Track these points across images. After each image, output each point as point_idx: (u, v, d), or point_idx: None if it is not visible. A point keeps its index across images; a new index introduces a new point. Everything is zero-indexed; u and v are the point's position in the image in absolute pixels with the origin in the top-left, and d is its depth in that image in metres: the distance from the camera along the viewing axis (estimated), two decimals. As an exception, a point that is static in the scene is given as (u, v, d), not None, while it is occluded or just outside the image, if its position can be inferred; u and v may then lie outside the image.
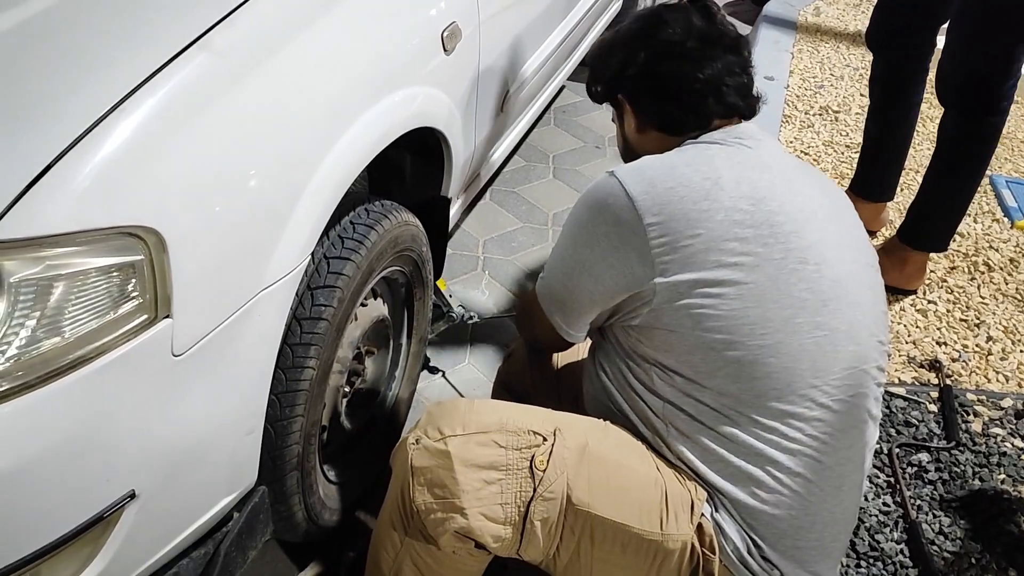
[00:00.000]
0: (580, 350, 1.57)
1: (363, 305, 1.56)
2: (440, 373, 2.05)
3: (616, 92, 1.36)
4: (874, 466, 1.71)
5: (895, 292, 2.20)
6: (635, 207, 1.15)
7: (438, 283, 1.96)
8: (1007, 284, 2.24)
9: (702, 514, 1.15)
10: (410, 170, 1.75)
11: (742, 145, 1.24)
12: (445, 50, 1.56)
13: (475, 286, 2.37)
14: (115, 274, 1.01)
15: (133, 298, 1.03)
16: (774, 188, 1.18)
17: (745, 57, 1.35)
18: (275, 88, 1.19)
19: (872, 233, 2.42)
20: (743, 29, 4.01)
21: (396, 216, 1.53)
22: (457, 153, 1.71)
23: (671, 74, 1.28)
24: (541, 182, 2.85)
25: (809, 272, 1.14)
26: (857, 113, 3.05)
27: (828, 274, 1.15)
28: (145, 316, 1.04)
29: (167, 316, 1.06)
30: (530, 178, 2.86)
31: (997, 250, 2.37)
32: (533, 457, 1.15)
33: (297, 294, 1.30)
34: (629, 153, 1.38)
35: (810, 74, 3.32)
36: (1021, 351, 2.03)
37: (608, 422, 1.25)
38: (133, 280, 1.03)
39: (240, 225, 1.13)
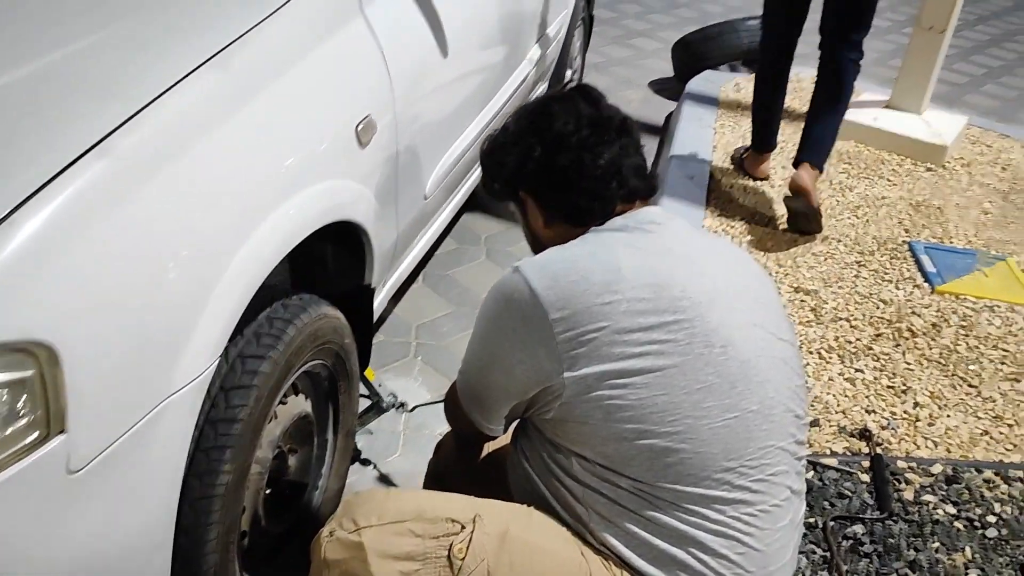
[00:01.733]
0: (508, 436, 1.55)
1: (283, 403, 1.52)
2: (372, 465, 2.00)
3: (517, 189, 1.37)
4: (809, 541, 1.69)
5: (822, 359, 2.23)
6: (540, 303, 1.16)
7: (366, 373, 1.93)
8: (931, 349, 2.29)
9: None
10: (332, 260, 1.74)
11: (643, 230, 1.26)
12: (360, 143, 1.57)
13: (408, 373, 2.34)
14: (3, 391, 0.97)
15: (24, 415, 0.98)
16: (676, 272, 1.19)
17: (636, 138, 1.38)
18: (179, 190, 1.17)
19: (766, 178, 3.20)
20: (668, 106, 4.14)
21: (315, 309, 1.50)
22: (378, 243, 1.70)
23: (570, 165, 1.29)
24: (474, 264, 2.85)
25: (715, 356, 1.15)
26: (779, 186, 3.14)
27: (735, 355, 1.17)
28: (37, 433, 1.00)
29: (61, 432, 1.01)
30: (462, 261, 2.86)
31: (919, 315, 2.43)
32: (451, 546, 1.13)
33: (209, 394, 1.26)
34: (538, 245, 1.40)
35: (732, 147, 3.42)
36: (947, 416, 2.06)
37: (532, 507, 1.24)
38: (24, 396, 0.98)
39: (142, 332, 1.10)
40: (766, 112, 3.08)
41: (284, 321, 1.42)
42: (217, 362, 1.23)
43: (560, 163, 1.30)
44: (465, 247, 2.92)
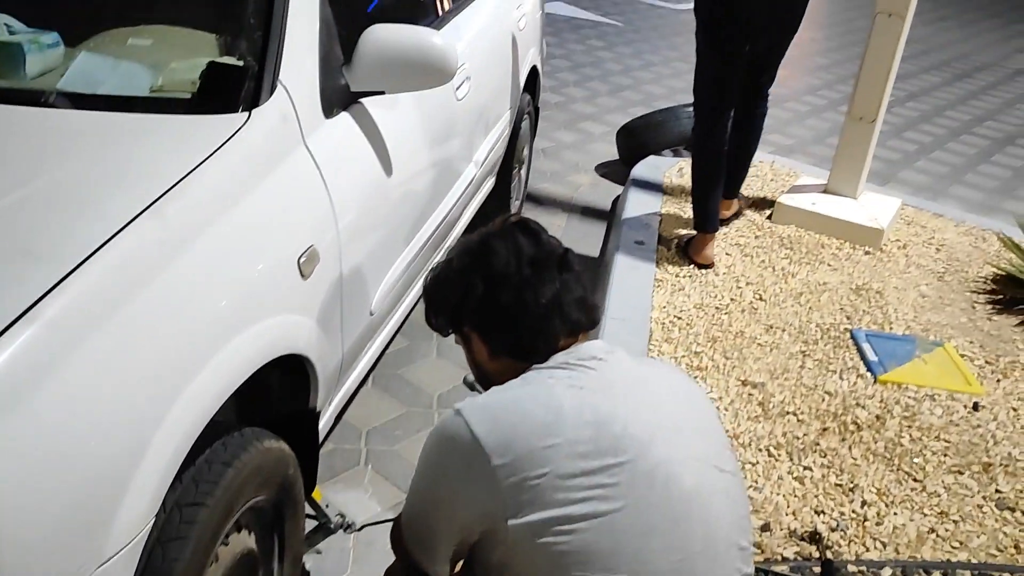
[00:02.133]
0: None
1: (225, 544, 1.48)
2: (321, 588, 1.95)
3: (460, 325, 1.39)
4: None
5: (771, 457, 2.25)
6: (482, 448, 1.17)
7: (313, 494, 1.90)
8: (876, 443, 2.32)
9: None
10: (276, 387, 1.72)
11: (584, 367, 1.28)
12: (302, 275, 1.57)
13: (357, 484, 2.30)
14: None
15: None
16: (616, 410, 1.21)
17: (577, 271, 1.41)
18: (113, 350, 1.16)
19: (710, 265, 3.27)
20: (615, 189, 4.22)
21: (258, 444, 1.48)
22: (322, 368, 1.69)
23: (512, 303, 1.32)
24: (426, 361, 2.84)
25: (658, 495, 1.17)
26: (724, 274, 3.20)
27: (676, 492, 1.18)
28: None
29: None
30: (413, 358, 2.85)
31: (864, 407, 2.47)
32: None
33: (145, 548, 1.23)
34: (483, 377, 1.41)
35: (677, 235, 3.49)
36: (894, 514, 2.08)
37: None
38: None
39: (68, 504, 1.07)
40: (709, 192, 3.24)
41: (224, 464, 1.39)
42: (152, 521, 1.20)
43: (502, 301, 1.32)
44: (416, 344, 2.92)
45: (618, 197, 4.11)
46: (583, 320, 1.35)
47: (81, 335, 1.13)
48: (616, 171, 4.48)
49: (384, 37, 1.85)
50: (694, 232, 3.30)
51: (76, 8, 1.88)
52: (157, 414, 1.20)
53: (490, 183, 3.23)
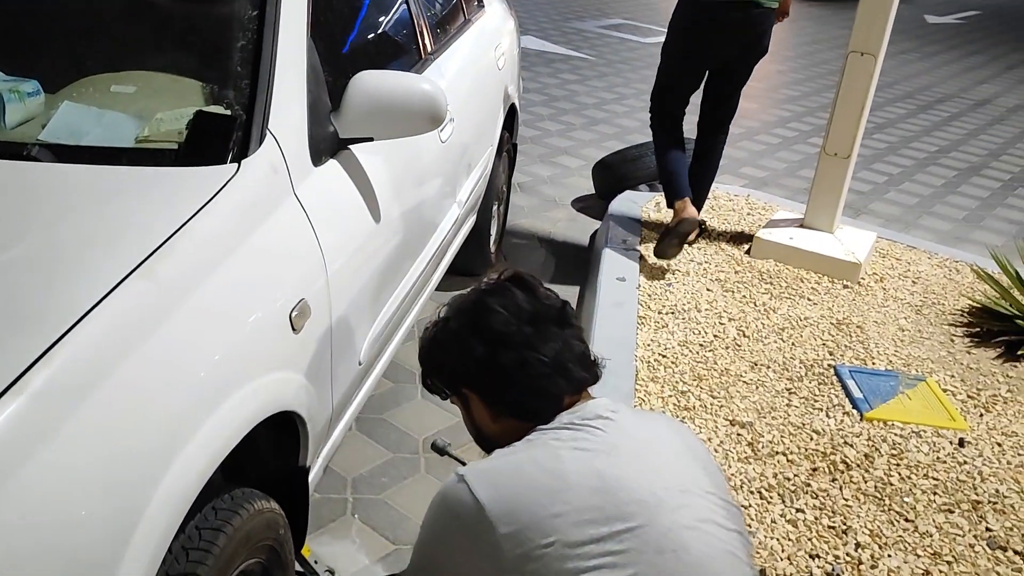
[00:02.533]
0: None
1: (214, 612, 1.43)
2: (310, 645, 1.89)
3: (459, 388, 1.36)
4: None
5: (763, 499, 2.24)
6: (487, 517, 1.14)
7: (302, 551, 1.84)
8: (866, 483, 2.32)
9: None
10: (263, 444, 1.67)
11: (590, 427, 1.26)
12: (294, 329, 1.53)
13: (344, 535, 2.25)
14: None
15: None
16: (623, 474, 1.19)
17: (577, 326, 1.39)
18: (101, 422, 1.11)
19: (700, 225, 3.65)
20: (592, 224, 4.23)
21: (249, 506, 1.44)
22: (313, 424, 1.65)
23: (514, 364, 1.29)
24: (409, 403, 2.80)
25: (668, 561, 1.15)
26: (706, 310, 3.21)
27: (687, 559, 1.16)
28: None
29: None
30: (398, 400, 2.80)
31: (852, 446, 2.47)
32: None
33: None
34: (483, 439, 1.38)
35: (658, 271, 3.50)
36: (889, 556, 2.07)
37: None
38: None
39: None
40: (673, 166, 3.62)
41: (214, 530, 1.35)
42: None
43: (504, 363, 1.29)
44: (400, 386, 2.87)
45: (596, 232, 4.11)
46: (587, 377, 1.33)
47: (70, 406, 1.08)
48: (593, 206, 4.48)
49: (372, 83, 1.84)
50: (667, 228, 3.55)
51: (56, 54, 1.83)
52: (149, 487, 1.15)
53: (471, 221, 3.21)
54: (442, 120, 1.89)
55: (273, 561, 1.59)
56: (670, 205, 3.63)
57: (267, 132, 1.64)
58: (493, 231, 3.59)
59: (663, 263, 3.54)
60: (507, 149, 3.64)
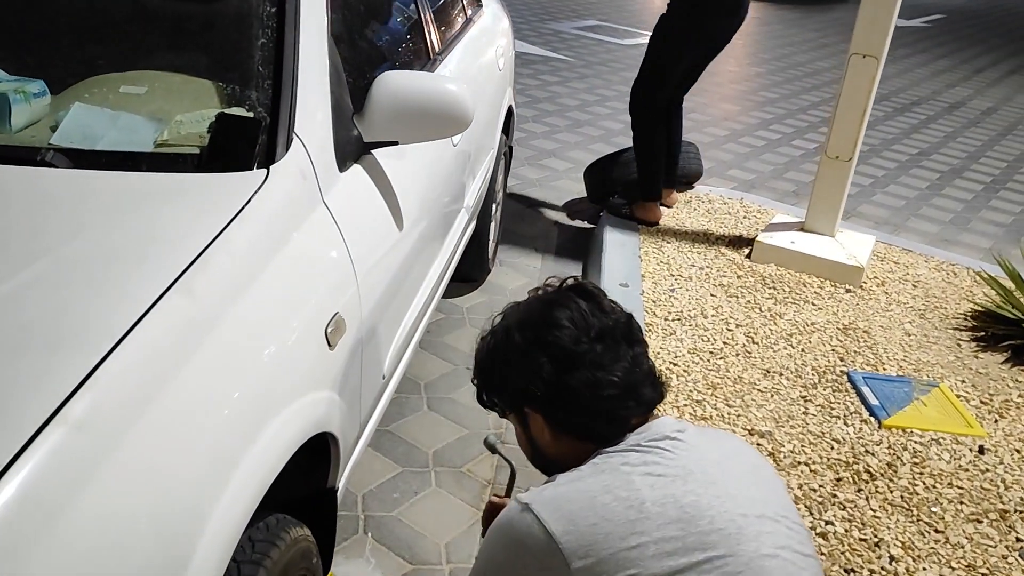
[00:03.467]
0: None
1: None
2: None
3: (521, 406, 1.27)
4: None
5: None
6: (560, 550, 1.07)
7: (327, 577, 1.75)
8: (891, 492, 2.28)
9: None
10: (293, 466, 1.58)
11: (659, 449, 1.19)
12: (330, 345, 1.44)
13: (359, 554, 2.15)
14: None
15: None
16: (700, 502, 1.13)
17: (643, 339, 1.32)
18: (146, 453, 1.01)
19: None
20: (587, 227, 4.16)
21: (286, 535, 1.34)
22: (346, 445, 1.56)
23: (584, 384, 1.21)
24: (416, 415, 2.71)
25: None
26: (712, 316, 3.16)
27: None
28: None
29: None
30: (404, 412, 2.71)
31: (873, 454, 2.43)
32: None
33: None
34: (539, 457, 1.30)
35: (660, 277, 3.44)
36: (923, 569, 2.03)
37: None
38: None
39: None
40: (658, 164, 3.89)
41: (254, 564, 1.25)
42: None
43: (573, 384, 1.21)
44: (405, 397, 2.78)
45: (591, 234, 4.06)
46: (656, 397, 1.26)
47: (115, 438, 0.98)
48: (585, 209, 4.42)
49: (398, 85, 1.75)
50: (640, 204, 3.90)
51: (60, 53, 1.72)
52: (198, 522, 1.06)
53: (473, 226, 3.13)
54: (469, 123, 1.81)
55: (305, 592, 1.49)
56: (656, 197, 3.88)
57: (294, 136, 1.55)
58: (492, 235, 3.50)
59: (665, 267, 3.49)
60: (504, 152, 3.56)
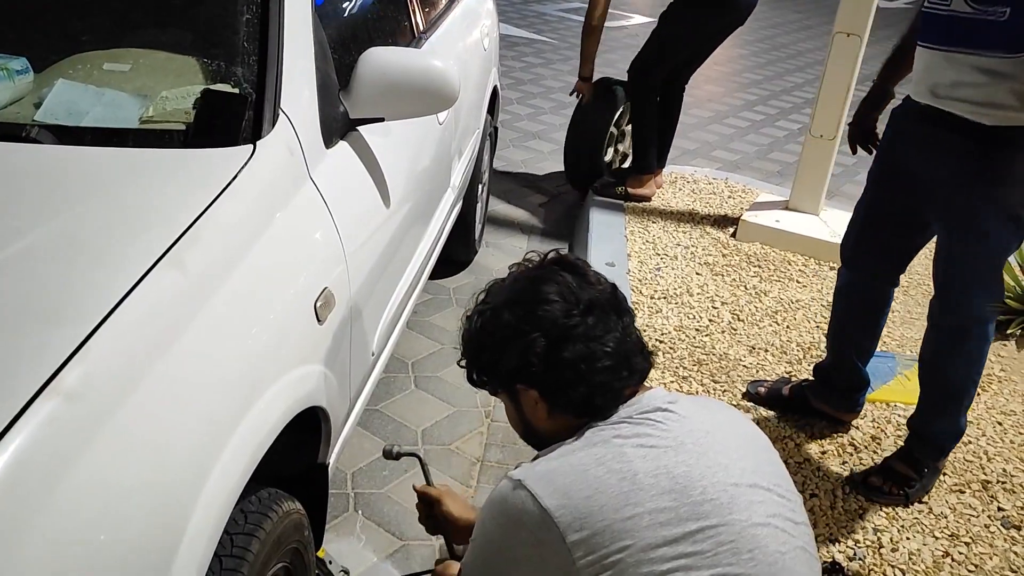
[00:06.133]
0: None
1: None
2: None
3: (513, 384, 1.27)
4: None
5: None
6: (555, 524, 1.08)
7: (318, 553, 1.76)
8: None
9: None
10: (283, 441, 1.58)
11: (650, 421, 1.19)
12: (319, 320, 1.45)
13: (350, 531, 2.16)
14: None
15: None
16: (692, 472, 1.14)
17: (630, 309, 1.32)
18: (141, 424, 1.02)
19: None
20: (572, 208, 4.17)
21: (278, 508, 1.35)
22: (336, 420, 1.57)
23: (579, 356, 1.21)
24: (403, 395, 2.71)
25: (744, 561, 1.10)
26: (698, 294, 3.18)
27: (761, 557, 1.12)
28: None
29: None
30: (391, 392, 2.72)
31: (858, 427, 2.46)
32: None
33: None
34: (535, 437, 1.30)
35: (646, 256, 3.46)
36: (907, 539, 2.07)
37: None
38: None
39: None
40: (651, 136, 3.93)
41: (247, 536, 1.26)
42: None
43: (567, 357, 1.21)
44: (392, 376, 2.79)
45: (576, 214, 4.06)
46: (646, 367, 1.27)
47: (108, 408, 0.99)
48: (571, 191, 4.42)
49: (384, 61, 1.74)
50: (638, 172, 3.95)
51: (42, 30, 1.70)
52: (191, 497, 1.06)
53: (459, 206, 3.13)
54: (455, 99, 1.81)
55: (297, 564, 1.50)
56: (649, 169, 3.95)
57: (279, 111, 1.54)
58: (478, 217, 3.50)
59: (650, 247, 3.50)
60: (490, 132, 3.55)
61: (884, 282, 2.32)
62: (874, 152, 2.31)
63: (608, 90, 4.09)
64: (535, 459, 1.23)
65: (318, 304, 1.44)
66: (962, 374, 2.11)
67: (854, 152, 2.42)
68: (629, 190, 3.95)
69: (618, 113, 4.14)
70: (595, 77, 4.11)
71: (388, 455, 1.70)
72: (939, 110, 1.95)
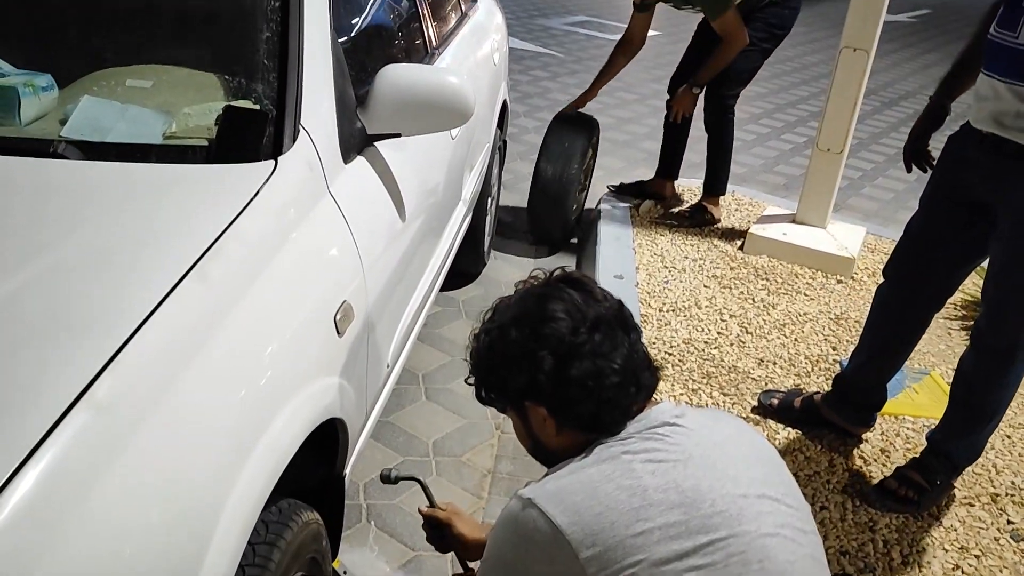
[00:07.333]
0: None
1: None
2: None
3: (522, 402, 1.28)
4: None
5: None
6: (567, 541, 1.09)
7: (333, 563, 1.77)
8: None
9: None
10: (300, 453, 1.60)
11: (658, 436, 1.20)
12: (339, 333, 1.47)
13: (362, 542, 2.18)
14: None
15: None
16: (701, 485, 1.15)
17: (636, 325, 1.33)
18: (167, 436, 1.04)
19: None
20: (580, 222, 4.19)
21: (297, 519, 1.37)
22: (353, 431, 1.59)
23: (586, 374, 1.21)
24: (415, 406, 2.73)
25: (754, 573, 1.12)
26: (706, 306, 3.20)
27: (771, 568, 1.13)
28: None
29: None
30: (402, 403, 2.74)
31: (867, 440, 2.48)
32: None
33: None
34: (543, 454, 1.32)
35: (654, 268, 3.48)
36: (917, 551, 2.08)
37: None
38: None
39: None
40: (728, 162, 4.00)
41: (268, 545, 1.28)
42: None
43: (575, 375, 1.22)
44: (403, 387, 2.80)
45: (585, 227, 4.09)
46: (653, 382, 1.28)
47: (137, 419, 1.01)
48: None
49: (400, 77, 1.77)
50: (700, 204, 3.97)
51: (66, 47, 1.74)
52: (217, 504, 1.08)
53: (469, 219, 3.16)
54: (470, 115, 1.83)
55: (315, 573, 1.53)
56: (722, 192, 4.00)
57: (300, 128, 1.57)
58: (487, 229, 3.53)
59: (659, 259, 3.52)
60: (499, 146, 3.59)
61: (929, 302, 2.31)
62: (929, 172, 2.28)
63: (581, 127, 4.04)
64: (544, 477, 1.24)
65: (338, 317, 1.46)
66: (997, 397, 2.12)
67: (909, 171, 2.40)
68: (708, 210, 3.93)
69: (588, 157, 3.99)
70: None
71: (386, 480, 1.65)
72: (1004, 139, 1.96)
